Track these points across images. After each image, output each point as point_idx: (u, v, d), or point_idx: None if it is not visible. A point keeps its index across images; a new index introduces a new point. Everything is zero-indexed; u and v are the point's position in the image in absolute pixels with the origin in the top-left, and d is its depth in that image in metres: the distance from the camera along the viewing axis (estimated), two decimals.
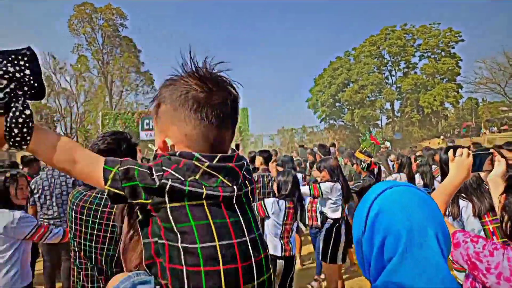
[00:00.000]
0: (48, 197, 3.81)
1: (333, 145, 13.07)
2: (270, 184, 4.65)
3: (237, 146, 7.07)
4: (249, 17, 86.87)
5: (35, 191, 3.85)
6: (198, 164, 0.76)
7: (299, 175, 5.22)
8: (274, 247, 3.00)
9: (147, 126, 25.80)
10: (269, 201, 3.07)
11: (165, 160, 0.77)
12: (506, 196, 1.12)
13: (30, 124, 0.68)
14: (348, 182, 4.19)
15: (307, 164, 7.51)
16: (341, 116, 42.82)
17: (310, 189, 3.78)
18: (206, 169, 0.77)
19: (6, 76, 0.66)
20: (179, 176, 0.74)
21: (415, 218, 0.72)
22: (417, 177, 5.18)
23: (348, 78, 40.15)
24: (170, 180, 0.73)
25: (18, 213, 2.40)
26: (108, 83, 42.12)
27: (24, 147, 0.69)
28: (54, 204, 3.82)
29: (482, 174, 1.44)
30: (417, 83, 38.51)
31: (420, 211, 0.73)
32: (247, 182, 0.85)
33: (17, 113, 0.67)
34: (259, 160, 5.13)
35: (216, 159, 0.79)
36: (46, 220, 3.81)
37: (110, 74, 42.15)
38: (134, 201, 0.75)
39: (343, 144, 36.83)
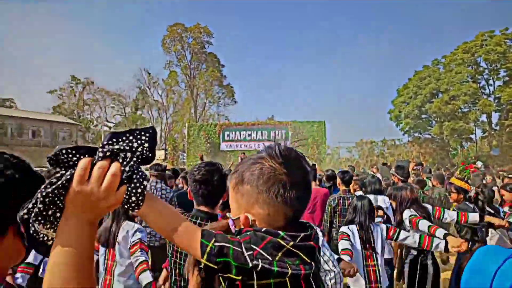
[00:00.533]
0: None
1: (420, 164, 12.07)
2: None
3: (313, 166, 7.29)
4: (331, 22, 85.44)
5: None
6: (282, 243, 0.83)
7: (385, 198, 4.81)
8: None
9: (228, 137, 27.41)
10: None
11: (252, 236, 0.84)
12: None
13: (144, 192, 0.76)
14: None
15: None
16: (428, 129, 39.68)
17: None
18: (290, 248, 0.83)
19: (130, 150, 0.76)
20: (267, 256, 0.80)
21: None
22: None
23: (437, 88, 37.16)
24: (260, 260, 0.79)
25: (138, 225, 2.81)
26: (194, 95, 45.57)
27: (136, 210, 0.78)
28: None
29: None
30: None
31: None
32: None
33: (137, 184, 0.75)
34: (339, 180, 5.18)
35: (299, 239, 0.86)
36: None
37: (196, 87, 45.53)
38: (224, 275, 0.83)
39: (429, 159, 34.15)
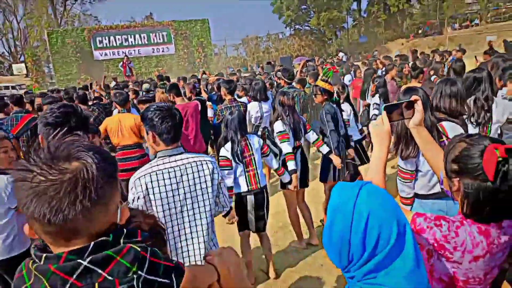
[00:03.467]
0: None
1: (312, 60, 12.73)
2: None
3: (199, 80, 6.96)
4: None
5: None
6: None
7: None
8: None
9: (101, 44, 23.90)
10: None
11: None
12: (460, 181, 1.17)
13: None
14: None
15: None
16: (307, 21, 41.08)
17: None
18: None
19: None
20: None
21: (394, 214, 0.91)
22: (376, 98, 5.05)
23: None
24: None
25: (11, 178, 2.33)
26: None
27: None
28: None
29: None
30: None
31: (393, 207, 0.92)
32: None
33: None
34: (223, 91, 5.05)
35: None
36: None
37: None
38: None
39: (309, 51, 36.23)
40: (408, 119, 1.39)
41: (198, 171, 1.98)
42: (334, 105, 4.15)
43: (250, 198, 3.16)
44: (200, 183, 1.99)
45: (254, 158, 3.16)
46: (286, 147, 3.52)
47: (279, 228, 4.35)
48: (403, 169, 2.33)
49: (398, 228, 0.89)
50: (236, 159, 3.06)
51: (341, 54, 17.19)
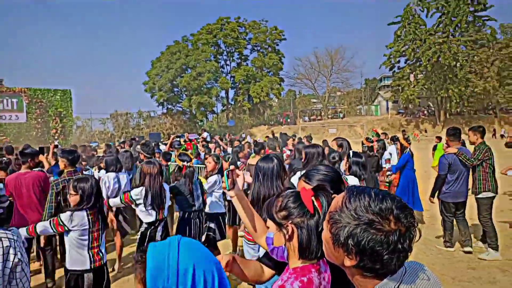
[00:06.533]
0: None
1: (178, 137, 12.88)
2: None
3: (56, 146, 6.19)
4: None
5: None
6: None
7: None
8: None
9: None
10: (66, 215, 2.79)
11: None
12: (291, 223, 1.26)
13: None
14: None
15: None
16: (179, 102, 42.73)
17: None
18: None
19: None
20: None
21: (211, 259, 0.98)
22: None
23: (186, 64, 40.14)
24: None
25: None
26: None
27: None
28: None
29: None
30: (248, 74, 41.89)
31: (207, 252, 0.99)
32: None
33: None
34: (63, 162, 4.44)
35: None
36: None
37: None
38: None
39: (180, 130, 36.99)
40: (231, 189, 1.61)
41: None
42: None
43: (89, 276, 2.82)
44: None
45: (101, 233, 2.95)
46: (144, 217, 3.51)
47: None
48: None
49: (217, 271, 0.96)
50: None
51: (205, 133, 18.34)
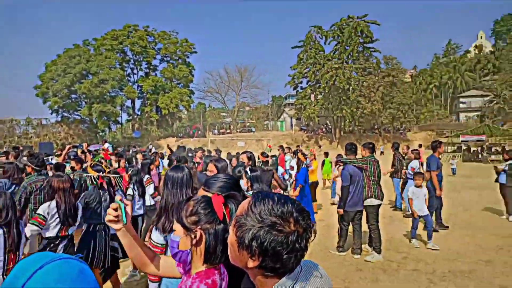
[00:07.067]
0: None
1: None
2: None
3: None
4: None
5: None
6: None
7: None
8: None
9: None
10: None
11: None
12: (201, 228, 1.26)
13: None
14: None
15: None
16: (77, 109, 39.10)
17: None
18: None
19: None
20: None
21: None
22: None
23: (86, 69, 37.12)
24: None
25: None
26: None
27: None
28: None
29: None
30: (157, 85, 40.65)
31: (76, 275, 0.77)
32: None
33: None
34: None
35: None
36: None
37: None
38: None
39: (78, 140, 33.80)
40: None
41: None
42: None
43: None
44: None
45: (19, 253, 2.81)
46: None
47: None
48: (155, 242, 2.34)
49: None
50: None
51: (106, 144, 17.35)
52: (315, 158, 9.82)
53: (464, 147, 26.80)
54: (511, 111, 43.76)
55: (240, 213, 0.97)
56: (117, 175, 4.58)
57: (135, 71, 44.19)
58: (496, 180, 7.85)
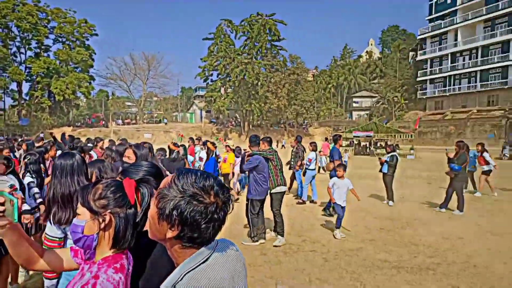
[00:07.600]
0: None
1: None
2: None
3: None
4: None
5: None
6: None
7: None
8: None
9: None
10: None
11: None
12: (110, 212, 1.23)
13: None
14: None
15: None
16: None
17: None
18: None
19: None
20: None
21: None
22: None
23: None
24: None
25: None
26: None
27: None
28: None
29: None
30: (50, 67, 36.32)
31: None
32: None
33: None
34: None
35: None
36: None
37: None
38: None
39: None
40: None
41: None
42: None
43: None
44: None
45: None
46: None
47: None
48: (51, 237, 2.20)
49: None
50: None
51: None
52: (233, 151, 10.01)
53: (355, 142, 30.23)
54: (395, 111, 50.82)
55: (163, 186, 1.01)
56: None
57: (22, 50, 38.69)
58: (380, 170, 9.07)
